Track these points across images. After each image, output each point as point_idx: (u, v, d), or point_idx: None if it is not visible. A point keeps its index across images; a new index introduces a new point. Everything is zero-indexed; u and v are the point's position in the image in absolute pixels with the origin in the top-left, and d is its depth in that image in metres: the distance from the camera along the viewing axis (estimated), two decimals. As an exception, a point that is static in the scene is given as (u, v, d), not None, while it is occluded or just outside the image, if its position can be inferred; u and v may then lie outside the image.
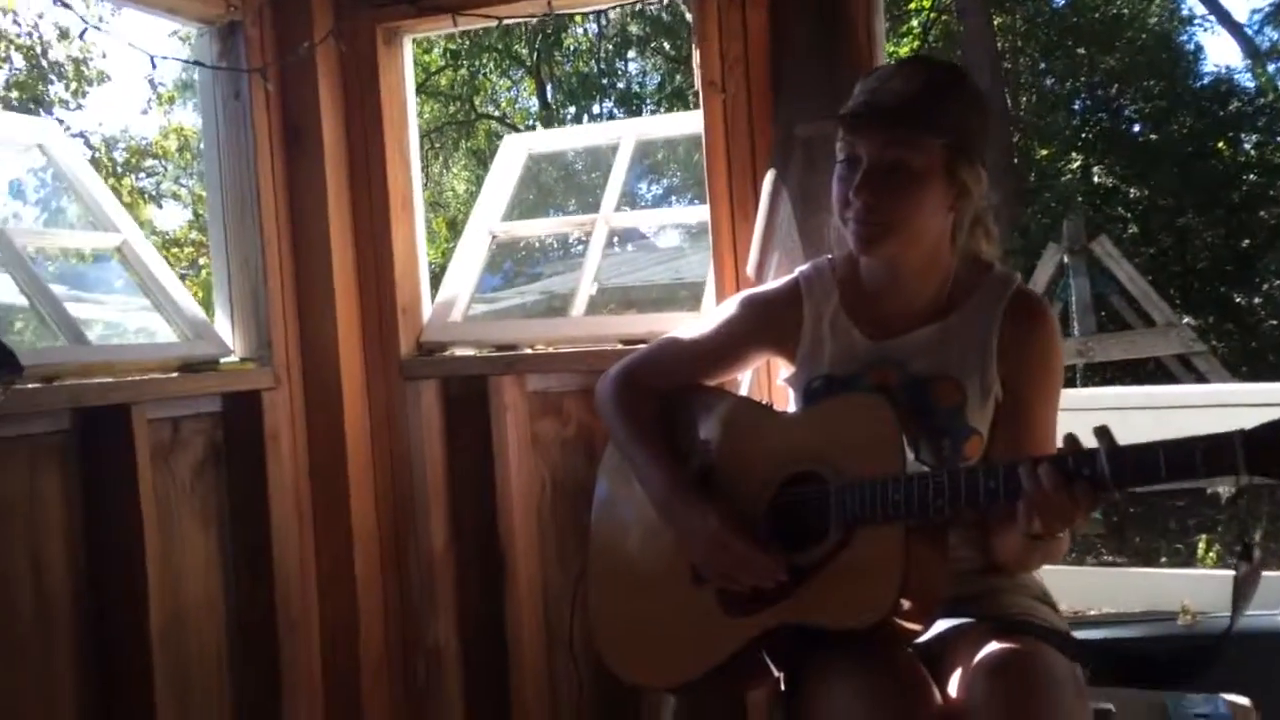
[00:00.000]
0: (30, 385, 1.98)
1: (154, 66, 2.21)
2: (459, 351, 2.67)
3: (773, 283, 1.88)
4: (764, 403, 1.94)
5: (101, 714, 2.14)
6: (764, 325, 1.79)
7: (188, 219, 13.34)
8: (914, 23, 14.81)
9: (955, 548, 1.57)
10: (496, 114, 16.84)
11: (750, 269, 2.14)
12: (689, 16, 2.31)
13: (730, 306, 1.84)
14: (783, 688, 1.67)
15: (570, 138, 3.84)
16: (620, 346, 2.42)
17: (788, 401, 1.81)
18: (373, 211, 2.62)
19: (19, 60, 11.59)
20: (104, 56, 12.26)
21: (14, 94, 11.27)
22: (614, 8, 2.76)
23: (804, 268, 1.79)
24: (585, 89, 15.67)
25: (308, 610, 2.54)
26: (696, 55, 2.31)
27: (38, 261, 2.51)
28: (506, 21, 2.57)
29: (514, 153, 2.97)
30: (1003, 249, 1.76)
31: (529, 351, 2.59)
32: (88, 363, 2.19)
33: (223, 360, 2.49)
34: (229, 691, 2.41)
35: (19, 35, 11.40)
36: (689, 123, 2.71)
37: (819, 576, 1.51)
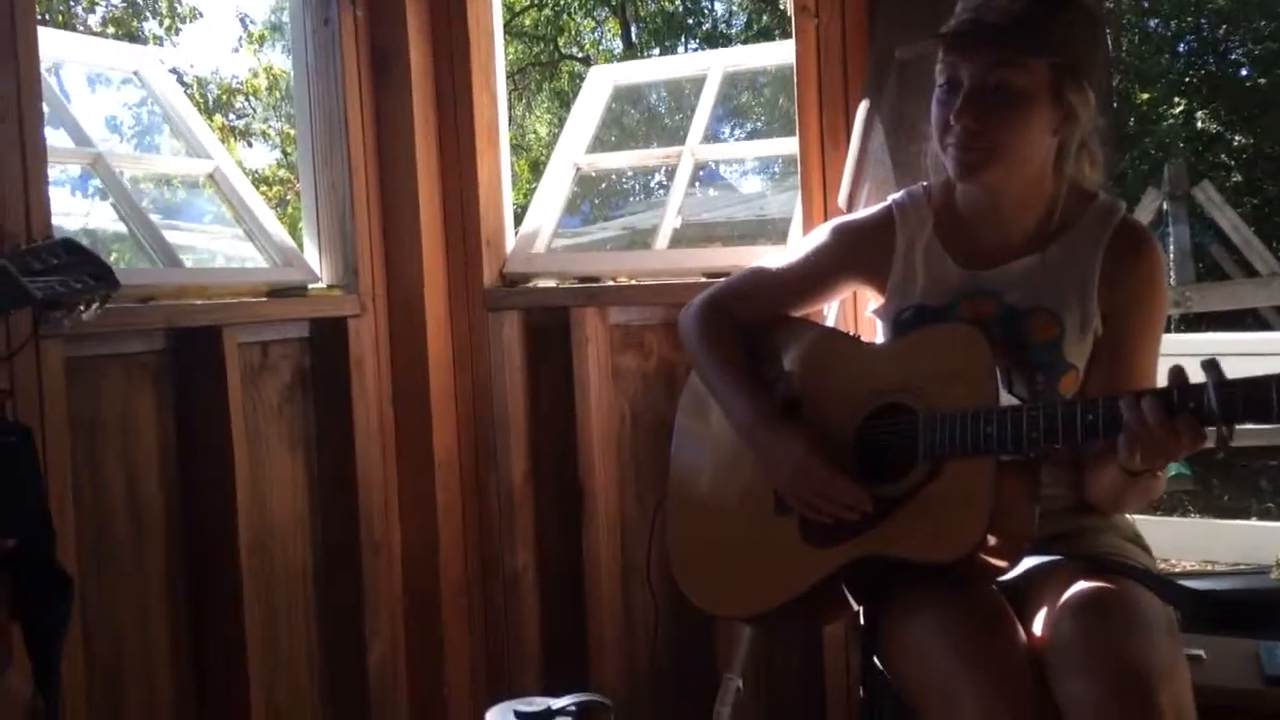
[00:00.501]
0: (126, 304, 2.03)
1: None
2: (541, 283, 2.66)
3: (865, 210, 1.84)
4: (851, 334, 1.91)
5: (193, 628, 2.20)
6: (854, 253, 1.75)
7: (276, 158, 13.52)
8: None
9: (1046, 486, 1.53)
10: (580, 55, 16.71)
11: (841, 199, 2.09)
12: (781, -59, 2.25)
13: (820, 234, 1.80)
14: (861, 622, 1.66)
15: (657, 69, 3.79)
16: (703, 279, 2.39)
17: (875, 334, 1.77)
18: (459, 141, 2.62)
19: (114, -5, 11.79)
20: (197, -9, 12.40)
21: (110, 29, 11.47)
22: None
23: (897, 195, 1.74)
24: (670, 28, 15.45)
25: (389, 534, 2.59)
26: (789, -20, 2.24)
27: (133, 191, 2.56)
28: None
29: (600, 84, 2.94)
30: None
31: (611, 284, 2.57)
32: (182, 284, 2.23)
33: (310, 287, 2.52)
34: (314, 609, 2.47)
35: (114, -30, 11.59)
36: (779, 53, 2.66)
37: (905, 509, 1.48)
